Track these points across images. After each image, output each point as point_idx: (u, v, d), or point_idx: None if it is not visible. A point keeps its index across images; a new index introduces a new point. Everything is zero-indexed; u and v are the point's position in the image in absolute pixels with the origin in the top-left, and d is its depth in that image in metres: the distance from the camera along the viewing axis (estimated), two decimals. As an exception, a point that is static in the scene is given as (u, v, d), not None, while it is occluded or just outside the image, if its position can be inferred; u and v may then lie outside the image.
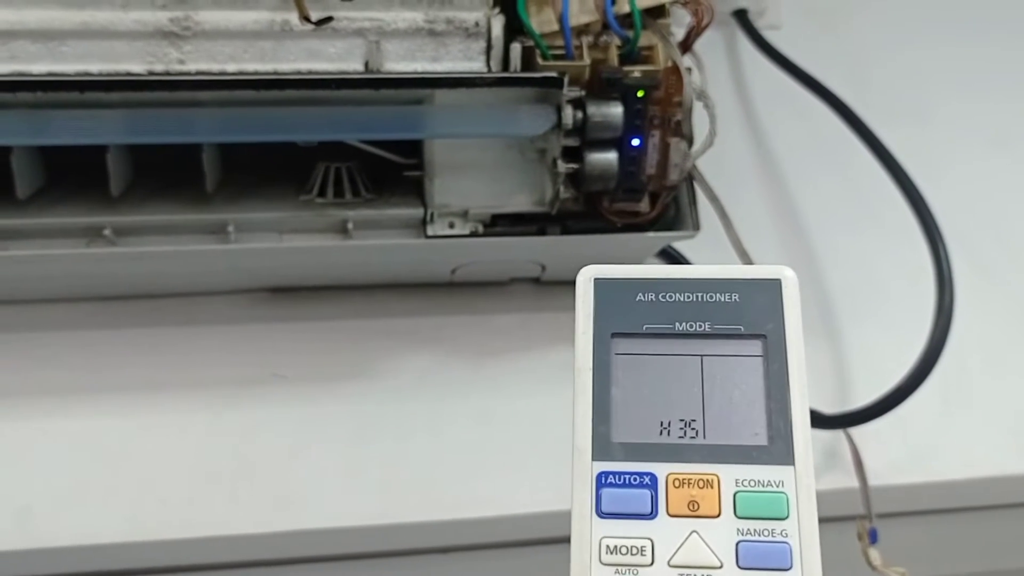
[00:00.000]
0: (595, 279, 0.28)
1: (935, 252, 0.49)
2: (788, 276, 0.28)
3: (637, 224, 0.49)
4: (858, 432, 0.51)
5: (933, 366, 0.48)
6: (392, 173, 0.49)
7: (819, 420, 0.51)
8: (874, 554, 0.48)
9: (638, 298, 0.28)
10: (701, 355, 0.27)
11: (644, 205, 0.49)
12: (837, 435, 0.53)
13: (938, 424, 0.54)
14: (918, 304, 0.50)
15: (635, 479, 0.26)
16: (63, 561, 0.49)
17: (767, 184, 0.62)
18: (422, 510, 0.50)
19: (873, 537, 0.49)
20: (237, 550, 0.50)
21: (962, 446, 0.54)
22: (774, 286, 0.28)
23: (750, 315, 0.27)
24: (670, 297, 0.28)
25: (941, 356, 0.48)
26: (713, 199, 0.48)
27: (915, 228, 0.51)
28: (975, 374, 0.56)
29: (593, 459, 0.27)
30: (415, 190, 0.49)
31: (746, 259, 0.49)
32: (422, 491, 0.50)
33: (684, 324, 0.27)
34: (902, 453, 0.53)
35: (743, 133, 0.63)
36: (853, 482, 0.51)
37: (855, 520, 0.50)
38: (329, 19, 0.43)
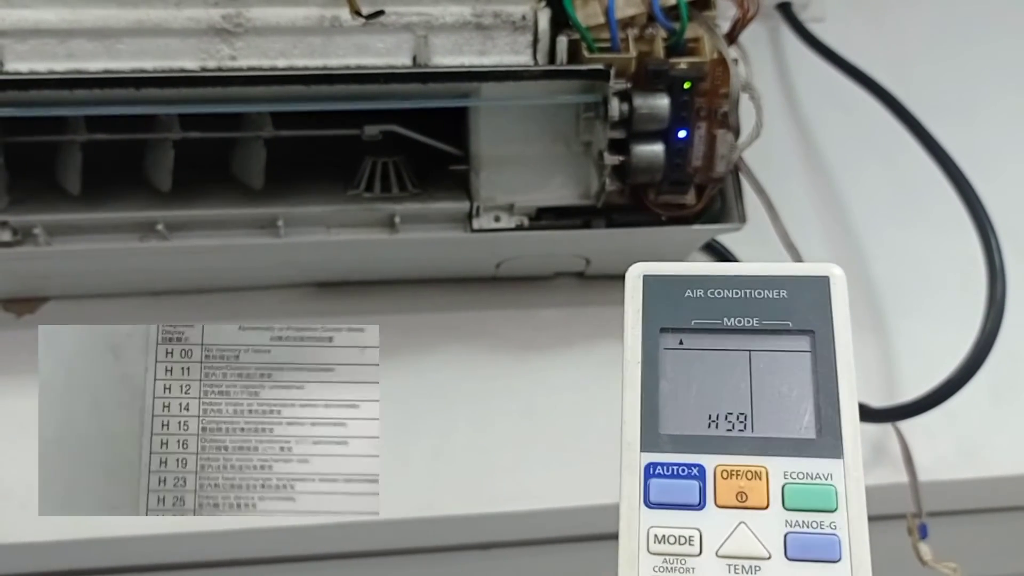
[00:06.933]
0: (644, 276, 0.28)
1: (986, 243, 0.48)
2: (836, 274, 0.28)
3: (682, 217, 0.49)
4: (906, 426, 0.51)
5: (984, 359, 0.47)
6: (438, 168, 0.50)
7: (867, 414, 0.50)
8: (925, 549, 0.48)
9: (687, 294, 0.28)
10: (749, 350, 0.27)
11: (690, 198, 0.49)
12: (885, 430, 0.52)
13: (989, 418, 0.53)
14: (967, 297, 0.50)
15: (683, 470, 0.26)
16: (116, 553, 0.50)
17: (813, 177, 0.61)
18: (465, 504, 0.50)
19: (923, 532, 0.48)
20: (278, 544, 0.50)
21: (1013, 441, 0.53)
22: (822, 283, 0.28)
23: (798, 311, 0.27)
24: (718, 293, 0.28)
25: (992, 349, 0.47)
26: (760, 191, 0.48)
27: (963, 221, 0.50)
28: (1027, 368, 0.55)
29: (642, 450, 0.27)
30: (461, 184, 0.50)
31: (793, 252, 0.48)
32: (465, 485, 0.51)
33: (732, 320, 0.28)
34: (951, 448, 0.53)
35: (788, 126, 0.63)
36: (901, 477, 0.50)
37: (904, 517, 0.49)
38: (380, 13, 0.43)
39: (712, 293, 0.28)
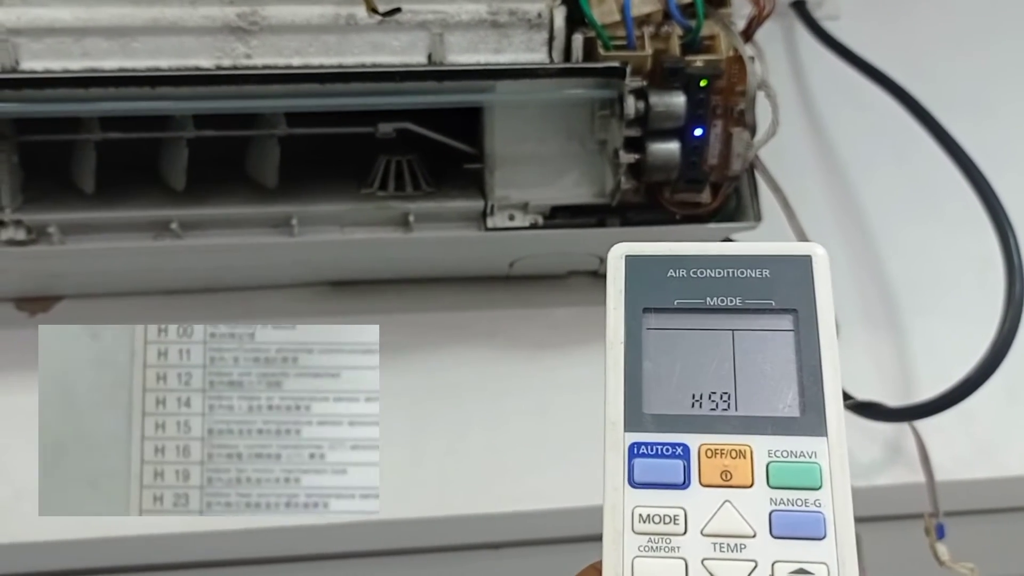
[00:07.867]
0: (626, 256, 0.28)
1: (1005, 242, 0.48)
2: (819, 253, 0.28)
3: (698, 215, 0.49)
4: (923, 426, 0.50)
5: (1003, 358, 0.46)
6: (452, 167, 0.50)
7: (884, 413, 0.50)
8: (942, 549, 0.47)
9: (669, 274, 0.28)
10: (732, 330, 0.27)
11: (705, 196, 0.49)
12: (901, 429, 0.52)
13: (1006, 418, 0.53)
14: (984, 296, 0.49)
15: (667, 449, 0.26)
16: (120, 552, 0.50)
17: (828, 175, 0.61)
18: (477, 503, 0.50)
19: (940, 532, 0.48)
20: (285, 543, 0.50)
21: (1030, 441, 0.53)
22: (805, 262, 0.28)
23: (781, 290, 0.27)
24: (701, 273, 0.28)
25: (1011, 348, 0.47)
26: (776, 189, 0.48)
27: (979, 220, 0.50)
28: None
29: (625, 430, 0.27)
30: (475, 183, 0.50)
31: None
32: (477, 484, 0.50)
33: (715, 299, 0.27)
34: (968, 448, 0.52)
35: (803, 124, 0.63)
36: (918, 477, 0.50)
37: (921, 517, 0.49)
38: (397, 10, 0.43)
39: (695, 273, 0.28)
